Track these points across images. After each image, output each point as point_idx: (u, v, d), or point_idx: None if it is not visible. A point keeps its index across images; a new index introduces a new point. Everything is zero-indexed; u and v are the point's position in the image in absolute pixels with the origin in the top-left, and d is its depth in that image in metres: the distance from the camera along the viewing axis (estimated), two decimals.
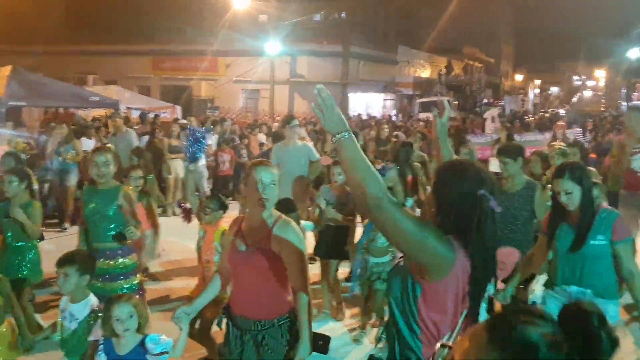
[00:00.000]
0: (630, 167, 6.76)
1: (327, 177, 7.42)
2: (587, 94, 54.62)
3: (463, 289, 2.10)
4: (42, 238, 5.16)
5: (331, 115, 2.12)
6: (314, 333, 3.04)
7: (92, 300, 3.58)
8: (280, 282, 3.08)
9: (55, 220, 9.37)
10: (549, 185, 4.47)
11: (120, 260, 4.41)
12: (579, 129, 14.71)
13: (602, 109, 40.28)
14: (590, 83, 63.60)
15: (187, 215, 5.86)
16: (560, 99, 61.68)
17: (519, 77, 63.32)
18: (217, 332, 3.87)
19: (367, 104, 33.92)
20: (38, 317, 5.05)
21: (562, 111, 37.01)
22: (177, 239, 7.45)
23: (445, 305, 2.10)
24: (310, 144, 8.17)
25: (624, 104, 39.52)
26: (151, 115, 15.20)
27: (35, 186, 7.08)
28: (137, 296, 3.69)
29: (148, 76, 32.68)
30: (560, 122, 13.72)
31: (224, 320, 3.28)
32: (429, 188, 6.46)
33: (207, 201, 4.83)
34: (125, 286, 4.37)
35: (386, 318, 2.42)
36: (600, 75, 61.87)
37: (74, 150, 9.27)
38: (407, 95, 37.23)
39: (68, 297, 3.55)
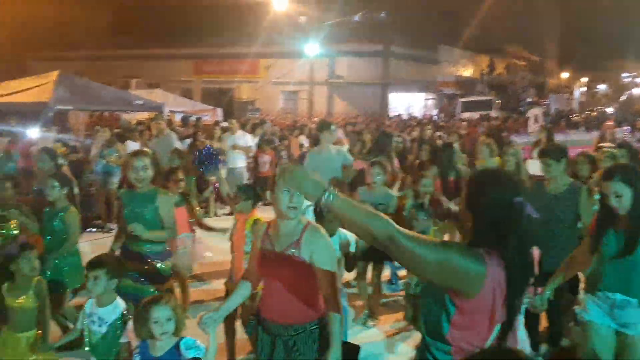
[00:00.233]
0: None
1: (360, 179, 7.38)
2: (637, 91, 52.82)
3: (497, 302, 2.04)
4: None
5: (305, 185, 2.11)
6: (344, 342, 3.01)
7: (121, 303, 3.61)
8: (310, 287, 3.05)
9: (100, 222, 9.57)
10: (596, 188, 4.30)
11: (158, 265, 4.46)
12: (627, 128, 14.24)
13: None
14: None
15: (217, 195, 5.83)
16: (608, 96, 59.83)
17: (564, 75, 61.73)
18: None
19: (408, 103, 33.63)
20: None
21: (609, 110, 35.88)
22: (219, 239, 7.50)
23: (480, 322, 2.05)
24: (345, 147, 8.11)
25: None
26: (193, 118, 15.42)
27: (77, 191, 7.27)
28: None
29: (190, 79, 33.21)
30: (609, 122, 13.29)
31: (255, 326, 3.25)
32: None
33: (238, 190, 4.84)
34: (151, 290, 4.39)
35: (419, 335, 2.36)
36: None
37: (117, 153, 9.47)
38: (448, 94, 36.75)
39: (94, 301, 3.57)
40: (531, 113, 21.58)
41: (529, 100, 37.12)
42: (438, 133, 15.69)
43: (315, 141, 7.44)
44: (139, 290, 4.37)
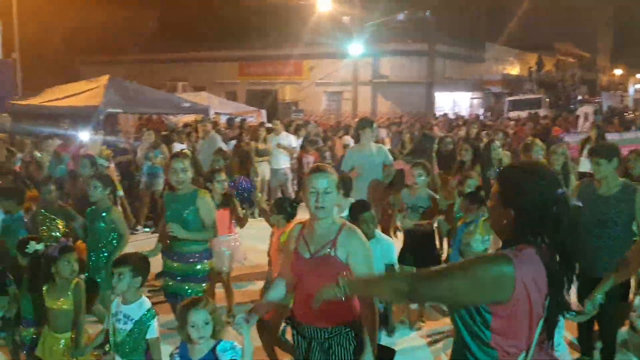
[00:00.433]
0: None
1: (400, 180, 7.29)
2: None
3: (534, 299, 1.99)
4: None
5: (323, 294, 2.46)
6: (380, 345, 2.97)
7: (146, 301, 3.63)
8: None
9: (150, 222, 9.78)
10: None
11: (197, 265, 4.51)
12: None
13: None
14: None
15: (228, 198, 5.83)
16: None
17: (617, 72, 59.68)
18: None
19: (454, 103, 33.19)
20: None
21: None
22: (260, 241, 7.54)
23: (520, 323, 2.01)
24: (387, 147, 8.01)
25: None
26: (238, 119, 15.60)
27: (120, 192, 7.42)
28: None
29: (235, 82, 33.62)
30: None
31: (289, 330, 3.25)
32: None
33: (273, 203, 4.87)
34: (189, 291, 4.47)
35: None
36: None
37: (162, 155, 9.66)
38: (495, 93, 36.08)
39: (119, 300, 3.61)
40: (581, 111, 20.96)
41: (579, 98, 36.09)
42: (485, 132, 15.43)
43: (356, 139, 7.37)
44: (179, 289, 4.45)
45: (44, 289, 4.01)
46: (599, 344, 4.61)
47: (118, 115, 14.65)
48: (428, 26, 30.62)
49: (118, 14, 34.52)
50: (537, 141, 6.91)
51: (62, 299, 3.93)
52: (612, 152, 4.42)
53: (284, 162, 11.03)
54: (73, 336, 3.94)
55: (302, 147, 11.80)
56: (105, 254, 4.96)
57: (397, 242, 6.03)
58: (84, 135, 9.76)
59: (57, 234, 5.36)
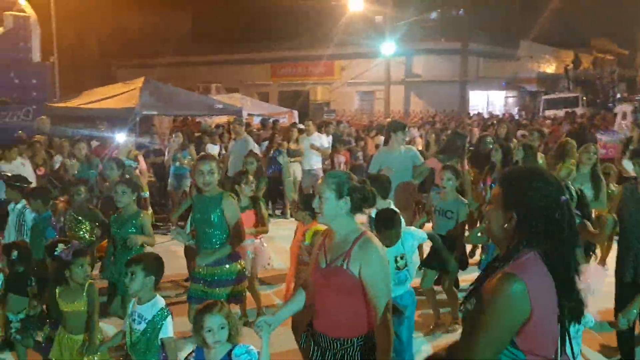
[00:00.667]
0: None
1: (432, 180, 7.17)
2: None
3: (548, 308, 1.96)
4: None
5: None
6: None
7: (160, 300, 3.61)
8: (359, 301, 2.90)
9: (182, 223, 9.88)
10: None
11: (226, 266, 4.50)
12: None
13: None
14: None
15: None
16: None
17: None
18: None
19: (488, 101, 32.75)
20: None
21: None
22: (287, 243, 7.51)
23: (545, 337, 1.98)
24: (415, 147, 7.87)
25: None
26: (271, 120, 15.68)
27: (146, 194, 7.48)
28: (237, 304, 3.65)
29: (267, 83, 33.82)
30: None
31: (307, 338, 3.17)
32: None
33: (299, 199, 4.81)
34: (226, 293, 4.47)
35: None
36: None
37: (189, 156, 9.76)
38: (530, 91, 35.46)
39: (135, 300, 3.61)
40: (619, 109, 20.42)
41: (618, 96, 35.20)
42: (520, 132, 15.15)
43: (386, 141, 7.24)
44: (206, 293, 4.45)
45: (57, 291, 4.02)
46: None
47: (153, 117, 14.85)
48: (461, 24, 30.31)
49: (152, 18, 35.17)
50: (570, 141, 6.76)
51: (76, 302, 3.94)
52: None
53: (315, 163, 11.01)
54: (87, 336, 3.96)
55: (333, 146, 11.78)
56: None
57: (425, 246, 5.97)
58: (120, 137, 9.91)
59: (84, 235, 5.44)
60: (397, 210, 4.63)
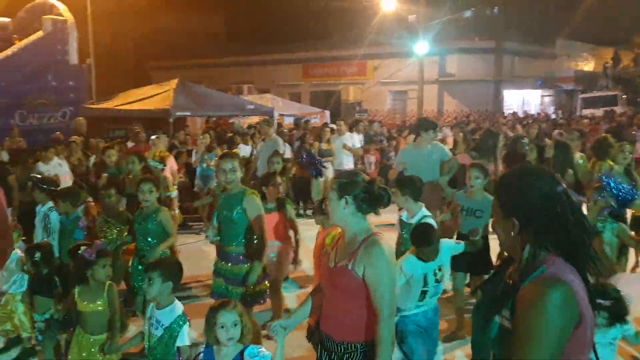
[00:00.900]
0: None
1: (462, 177, 7.00)
2: None
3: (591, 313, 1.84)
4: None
5: None
6: None
7: (178, 306, 3.57)
8: (364, 305, 2.81)
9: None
10: None
11: (244, 267, 4.47)
12: None
13: None
14: None
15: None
16: None
17: None
18: None
19: (524, 101, 32.18)
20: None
21: None
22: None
23: (586, 342, 1.85)
24: (442, 145, 7.72)
25: None
26: (303, 120, 15.70)
27: (175, 194, 7.50)
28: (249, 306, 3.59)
29: (299, 83, 33.88)
30: None
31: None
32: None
33: (317, 203, 4.73)
34: (234, 293, 4.43)
35: None
36: None
37: (216, 157, 9.80)
38: (567, 90, 34.70)
39: (154, 304, 3.58)
40: None
41: None
42: (556, 131, 14.83)
43: (416, 138, 7.10)
44: (227, 291, 4.43)
45: (75, 291, 4.02)
46: None
47: (186, 118, 15.02)
48: (496, 23, 29.84)
49: (186, 21, 35.58)
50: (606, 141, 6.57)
51: (96, 302, 3.94)
52: None
53: (347, 163, 10.96)
54: (109, 336, 3.95)
55: (364, 146, 11.72)
56: (154, 255, 4.87)
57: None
58: (153, 139, 10.01)
59: (114, 238, 5.48)
60: (434, 225, 4.49)
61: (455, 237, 5.34)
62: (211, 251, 6.83)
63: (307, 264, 6.43)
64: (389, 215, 4.85)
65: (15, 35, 16.19)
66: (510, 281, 1.96)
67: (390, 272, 2.80)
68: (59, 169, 8.62)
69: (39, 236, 5.73)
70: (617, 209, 4.96)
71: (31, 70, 15.17)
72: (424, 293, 4.02)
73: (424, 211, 4.81)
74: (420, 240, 4.05)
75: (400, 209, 5.22)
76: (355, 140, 11.41)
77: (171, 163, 8.85)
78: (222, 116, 17.02)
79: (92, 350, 3.93)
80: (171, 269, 3.62)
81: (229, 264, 4.51)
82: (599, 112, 24.16)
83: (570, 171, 6.50)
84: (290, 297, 6.29)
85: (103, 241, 5.23)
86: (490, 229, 5.57)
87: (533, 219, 1.90)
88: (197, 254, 6.57)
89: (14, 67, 14.89)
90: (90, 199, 6.42)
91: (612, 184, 4.87)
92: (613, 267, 4.83)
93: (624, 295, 3.35)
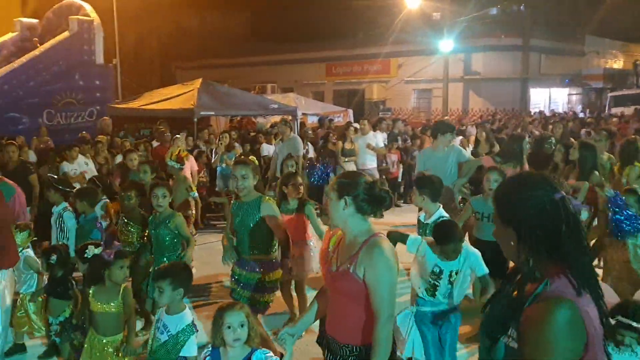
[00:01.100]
0: None
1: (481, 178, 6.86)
2: None
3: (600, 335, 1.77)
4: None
5: None
6: None
7: (188, 315, 3.51)
8: (367, 308, 2.75)
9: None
10: None
11: (261, 276, 4.42)
12: None
13: None
14: None
15: None
16: None
17: None
18: None
19: (551, 99, 31.69)
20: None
21: None
22: None
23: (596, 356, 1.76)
24: (460, 147, 7.59)
25: None
26: (327, 119, 15.67)
27: (195, 194, 7.48)
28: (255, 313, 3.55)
29: (322, 82, 33.85)
30: None
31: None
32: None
33: (324, 205, 4.67)
34: (260, 301, 4.43)
35: None
36: None
37: (236, 156, 9.81)
38: (595, 88, 34.07)
39: (165, 308, 3.52)
40: None
41: None
42: (584, 130, 14.56)
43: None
44: (241, 297, 4.38)
45: (90, 291, 3.98)
46: None
47: (210, 117, 15.09)
48: (522, 20, 29.42)
49: (210, 21, 35.86)
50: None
51: (110, 303, 3.91)
52: None
53: (370, 162, 10.87)
54: (124, 337, 3.93)
55: (386, 145, 11.65)
56: (167, 260, 4.93)
57: None
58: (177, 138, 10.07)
59: (134, 240, 5.45)
60: (457, 224, 4.36)
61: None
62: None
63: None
64: (411, 215, 4.80)
65: (36, 39, 16.46)
66: (516, 293, 1.89)
67: (390, 273, 2.72)
68: (85, 168, 8.70)
69: (54, 236, 5.74)
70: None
71: (58, 70, 15.40)
72: (434, 287, 3.97)
73: (441, 212, 4.72)
74: (441, 237, 3.97)
75: (420, 209, 5.15)
76: (379, 139, 11.32)
77: (191, 163, 8.84)
78: (246, 115, 17.07)
79: (104, 351, 3.89)
80: (180, 275, 3.54)
81: (245, 270, 4.47)
82: (629, 110, 23.64)
83: (596, 173, 6.32)
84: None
85: (123, 245, 5.25)
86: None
87: (529, 228, 1.85)
88: (219, 253, 6.52)
89: (42, 67, 15.13)
90: (105, 198, 6.42)
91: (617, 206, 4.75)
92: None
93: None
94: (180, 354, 3.39)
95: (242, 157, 7.62)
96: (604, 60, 36.25)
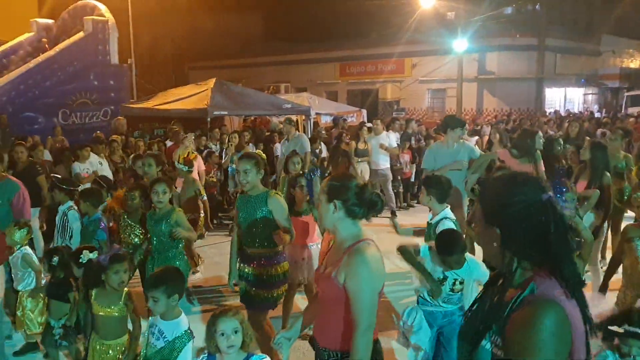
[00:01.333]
0: None
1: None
2: None
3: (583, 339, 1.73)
4: (202, 237, 5.22)
5: None
6: None
7: (184, 321, 3.44)
8: (347, 314, 2.68)
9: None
10: None
11: (267, 269, 4.40)
12: None
13: None
14: None
15: None
16: None
17: None
18: None
19: (566, 99, 31.39)
20: None
21: None
22: None
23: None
24: (471, 144, 7.48)
25: None
26: (341, 119, 15.64)
27: (204, 196, 7.47)
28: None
29: (335, 82, 33.80)
30: None
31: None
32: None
33: None
34: (268, 296, 4.39)
35: None
36: None
37: None
38: (612, 88, 33.68)
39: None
40: None
41: None
42: (600, 130, 14.39)
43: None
44: (251, 295, 4.38)
45: (92, 293, 3.92)
46: None
47: (224, 117, 15.12)
48: (537, 19, 29.15)
49: (224, 21, 35.96)
50: None
51: (111, 306, 3.84)
52: None
53: (383, 163, 10.83)
54: (127, 342, 3.88)
55: (399, 145, 11.60)
56: (169, 256, 4.93)
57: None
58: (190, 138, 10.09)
59: (136, 240, 5.44)
60: (461, 234, 4.29)
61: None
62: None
63: None
64: (424, 215, 4.73)
65: (44, 39, 16.61)
66: (497, 298, 1.84)
67: (372, 282, 2.65)
68: (98, 167, 8.73)
69: (56, 234, 5.72)
70: None
71: (73, 70, 15.54)
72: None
73: (446, 212, 4.59)
74: (442, 247, 3.86)
75: (430, 210, 5.10)
76: (392, 139, 11.27)
77: (198, 163, 8.80)
78: (259, 115, 17.09)
79: (107, 355, 3.84)
80: (174, 280, 3.44)
81: (252, 266, 4.44)
82: None
83: (608, 174, 6.20)
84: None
85: (125, 247, 5.22)
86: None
87: (514, 229, 1.81)
88: (228, 253, 6.51)
89: (57, 67, 15.27)
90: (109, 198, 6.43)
91: None
92: None
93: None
94: None
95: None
96: (620, 59, 35.82)
